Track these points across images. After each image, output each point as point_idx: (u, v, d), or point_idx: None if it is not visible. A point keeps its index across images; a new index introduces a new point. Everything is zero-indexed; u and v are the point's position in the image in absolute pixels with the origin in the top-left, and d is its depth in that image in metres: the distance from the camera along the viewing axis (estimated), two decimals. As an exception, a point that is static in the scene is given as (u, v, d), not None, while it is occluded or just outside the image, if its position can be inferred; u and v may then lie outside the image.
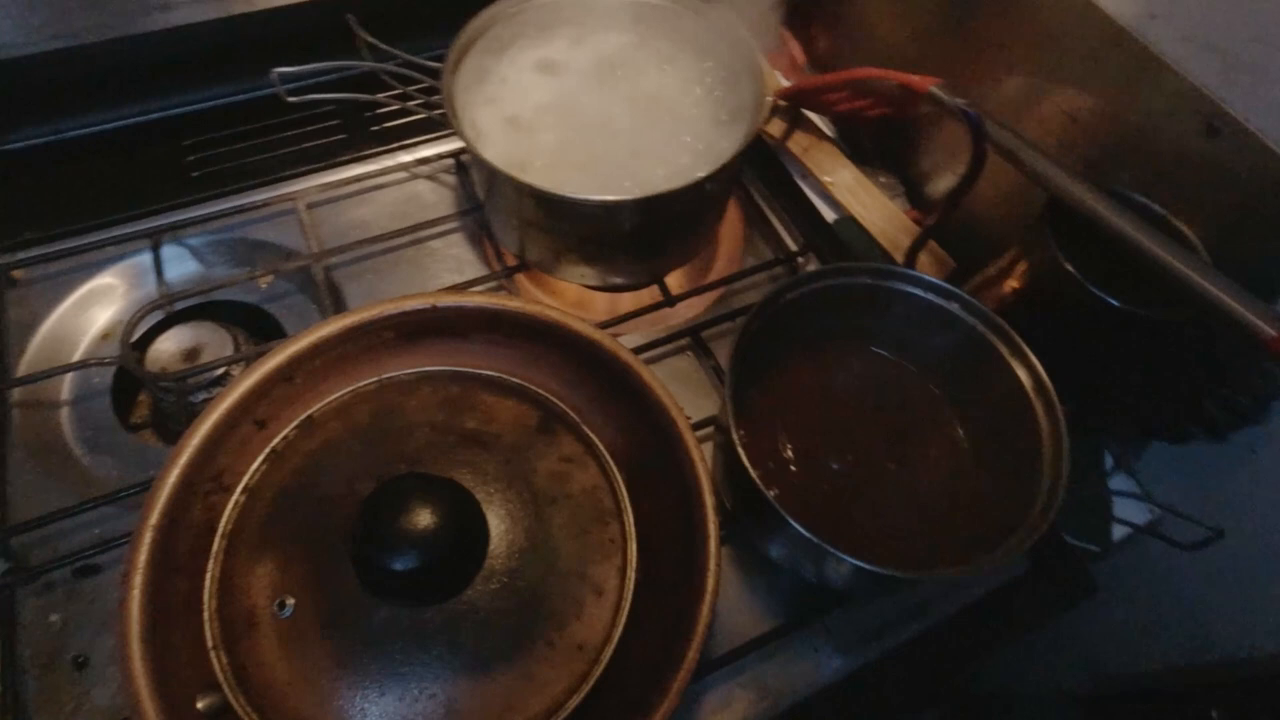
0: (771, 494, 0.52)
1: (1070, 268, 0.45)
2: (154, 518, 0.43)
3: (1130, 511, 0.57)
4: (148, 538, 0.42)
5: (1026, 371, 0.48)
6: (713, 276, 0.66)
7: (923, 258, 0.64)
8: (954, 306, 0.51)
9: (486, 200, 0.61)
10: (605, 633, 0.46)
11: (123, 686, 0.38)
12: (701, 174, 0.52)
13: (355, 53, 0.63)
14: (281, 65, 0.61)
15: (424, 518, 0.42)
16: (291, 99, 0.59)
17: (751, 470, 0.43)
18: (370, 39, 0.61)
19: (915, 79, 0.57)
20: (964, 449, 0.53)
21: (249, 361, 0.58)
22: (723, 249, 0.69)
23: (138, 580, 0.41)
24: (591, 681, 0.44)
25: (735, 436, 0.45)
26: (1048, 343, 0.49)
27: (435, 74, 0.63)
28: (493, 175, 0.53)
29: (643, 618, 0.46)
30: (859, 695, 0.52)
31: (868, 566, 0.41)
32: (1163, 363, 0.48)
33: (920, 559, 0.48)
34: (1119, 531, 0.57)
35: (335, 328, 0.50)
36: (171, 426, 0.60)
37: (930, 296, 0.51)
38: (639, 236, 0.56)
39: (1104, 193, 0.45)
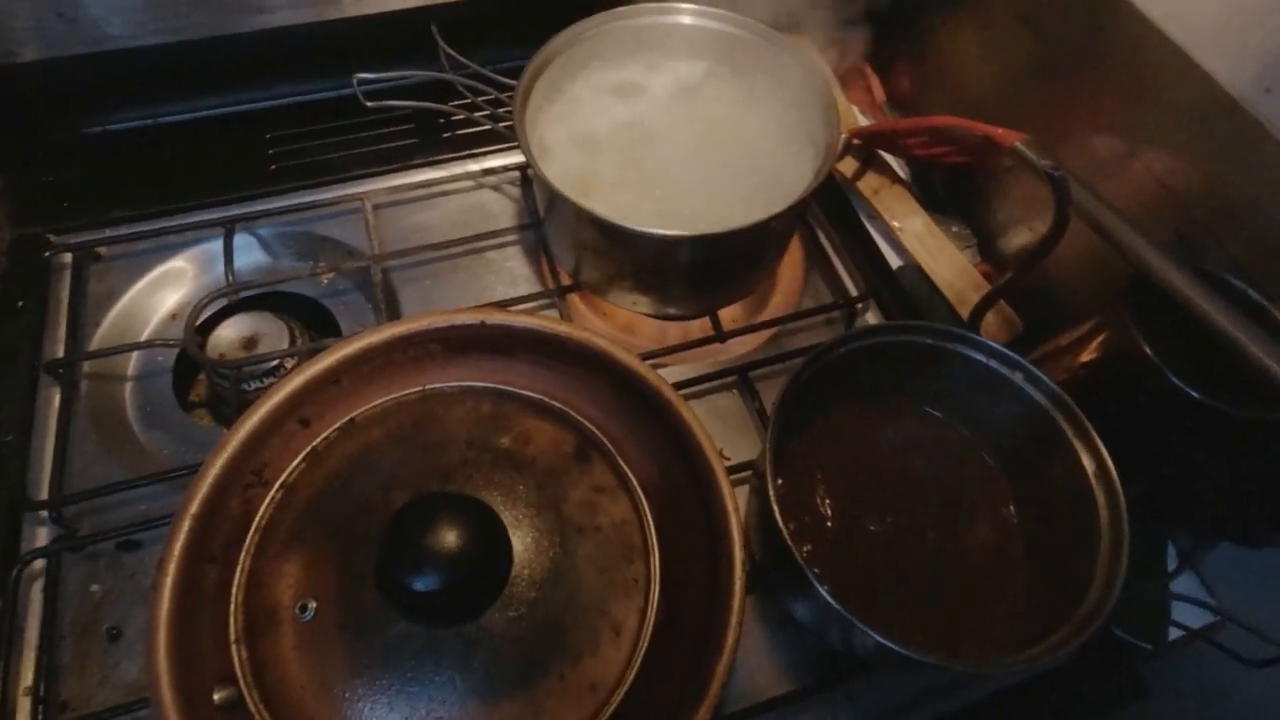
0: (804, 550, 0.51)
1: (1150, 352, 0.42)
2: (194, 507, 0.44)
3: (1190, 613, 0.53)
4: (186, 526, 0.43)
5: (1090, 456, 0.45)
6: (767, 314, 0.64)
7: (990, 316, 0.61)
8: (1017, 377, 0.48)
9: (546, 218, 0.61)
10: (619, 674, 0.45)
11: (145, 670, 0.38)
12: (766, 214, 0.51)
13: (435, 61, 0.64)
14: (364, 69, 0.62)
15: (449, 539, 0.42)
16: (370, 103, 0.61)
17: (785, 531, 0.42)
18: (449, 51, 0.62)
19: (1000, 132, 0.54)
20: (1014, 527, 0.50)
21: (301, 357, 0.60)
22: (781, 286, 0.67)
23: (172, 568, 0.42)
24: (600, 723, 0.43)
25: (771, 492, 0.43)
26: (1118, 423, 0.46)
27: (509, 88, 0.64)
28: (553, 196, 0.53)
29: (659, 663, 0.45)
30: None
31: (894, 647, 0.39)
32: (1246, 462, 0.44)
33: (953, 640, 0.46)
34: (1175, 630, 0.53)
35: (384, 335, 0.50)
36: (225, 410, 0.62)
37: (993, 364, 0.49)
38: (697, 270, 0.55)
39: (1196, 274, 0.42)
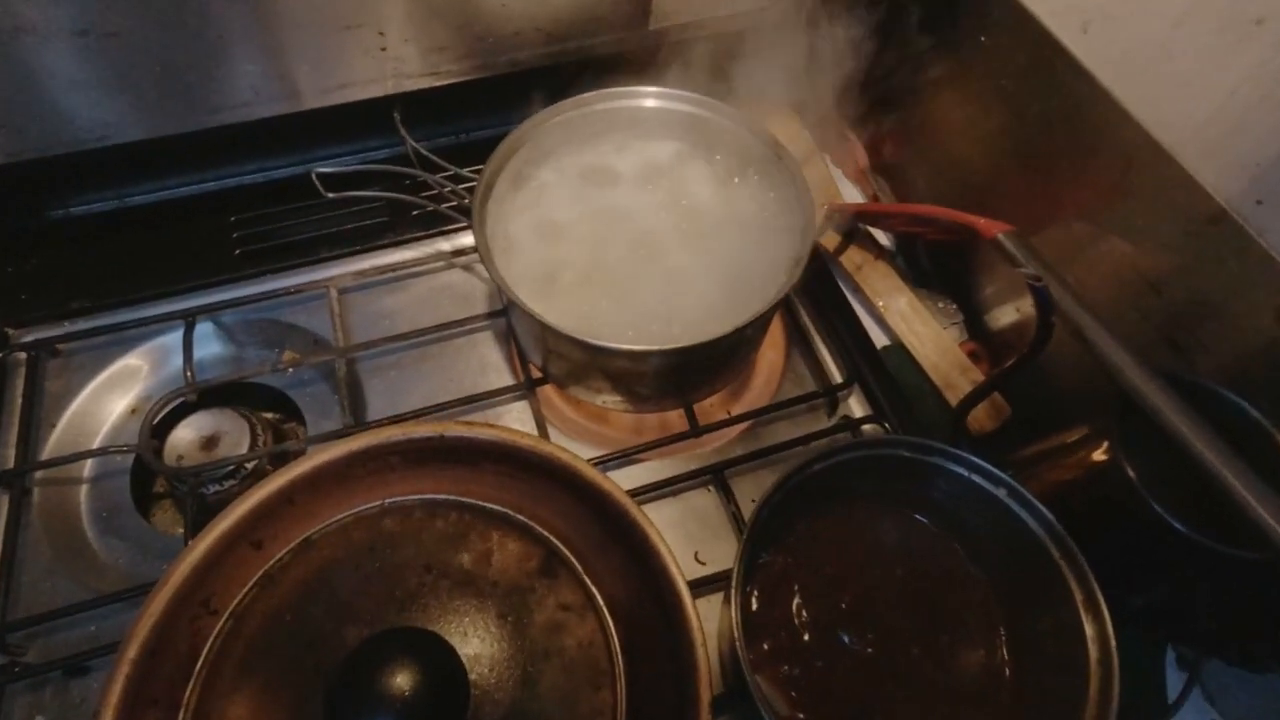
0: (781, 671, 0.48)
1: (1135, 479, 0.40)
2: (132, 652, 0.42)
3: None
4: (124, 673, 0.41)
5: (1079, 584, 0.43)
6: (746, 404, 0.62)
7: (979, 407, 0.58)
8: (1002, 493, 0.46)
9: (509, 312, 0.59)
10: (584, 817, 0.43)
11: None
12: (738, 317, 0.49)
13: (398, 139, 0.63)
14: (326, 148, 0.61)
15: (402, 681, 0.40)
16: (330, 194, 0.59)
17: (745, 664, 0.40)
18: (412, 143, 0.61)
19: (982, 223, 0.52)
20: (1000, 646, 0.48)
21: (262, 460, 0.58)
22: (760, 370, 0.65)
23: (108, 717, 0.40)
24: None
25: (735, 620, 0.41)
26: (1107, 540, 0.43)
27: (470, 180, 0.62)
28: (512, 303, 0.51)
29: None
30: None
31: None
32: (1237, 593, 0.42)
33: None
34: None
35: (340, 453, 0.48)
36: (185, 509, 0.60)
37: (976, 479, 0.46)
38: (668, 373, 0.53)
39: (1183, 388, 0.40)
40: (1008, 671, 0.47)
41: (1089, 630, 0.41)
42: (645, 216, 0.58)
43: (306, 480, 0.48)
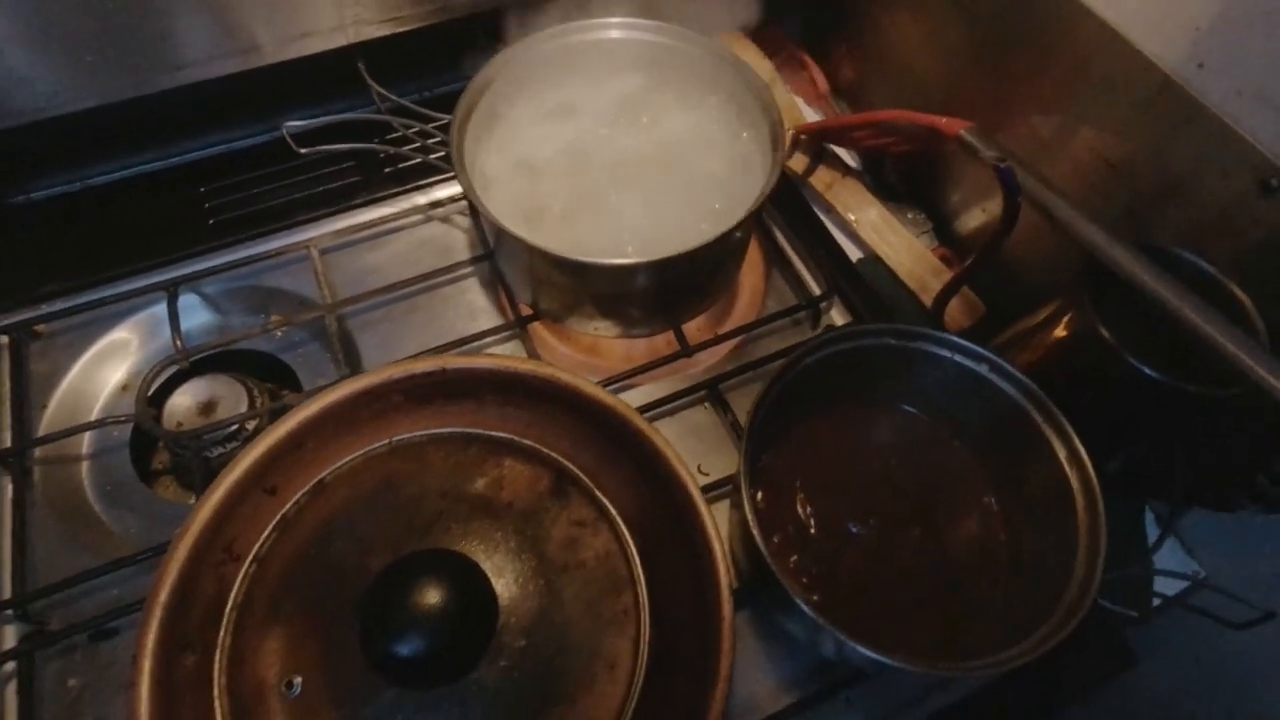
0: (790, 561, 0.51)
1: (1108, 334, 0.43)
2: (163, 595, 0.42)
3: (1174, 580, 0.54)
4: (157, 616, 0.42)
5: (1061, 442, 0.45)
6: (732, 323, 0.64)
7: (952, 302, 0.61)
8: (984, 369, 0.48)
9: (496, 251, 0.59)
10: (618, 709, 0.44)
11: (131, 773, 0.37)
12: (717, 230, 0.50)
13: (367, 97, 0.62)
14: (294, 111, 0.60)
15: (432, 599, 0.42)
16: (302, 150, 0.59)
17: (765, 551, 0.42)
18: (379, 89, 0.60)
19: (943, 122, 0.54)
20: (995, 517, 0.51)
21: (262, 418, 0.58)
22: (743, 292, 0.67)
23: (146, 663, 0.40)
24: (603, 765, 0.43)
25: (750, 514, 0.43)
26: (1086, 404, 0.46)
27: (444, 120, 0.62)
28: (500, 232, 0.51)
29: (657, 694, 0.45)
30: None
31: (882, 659, 0.39)
32: (1210, 436, 0.45)
33: (942, 640, 0.46)
34: (1159, 597, 0.54)
35: (344, 393, 0.49)
36: (190, 477, 0.61)
37: (959, 358, 0.49)
38: (655, 291, 0.55)
39: (1147, 254, 0.43)
40: (1003, 537, 0.50)
41: (1074, 483, 0.44)
42: (619, 146, 0.59)
43: (314, 423, 0.49)
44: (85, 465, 0.58)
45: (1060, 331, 0.48)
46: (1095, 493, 0.43)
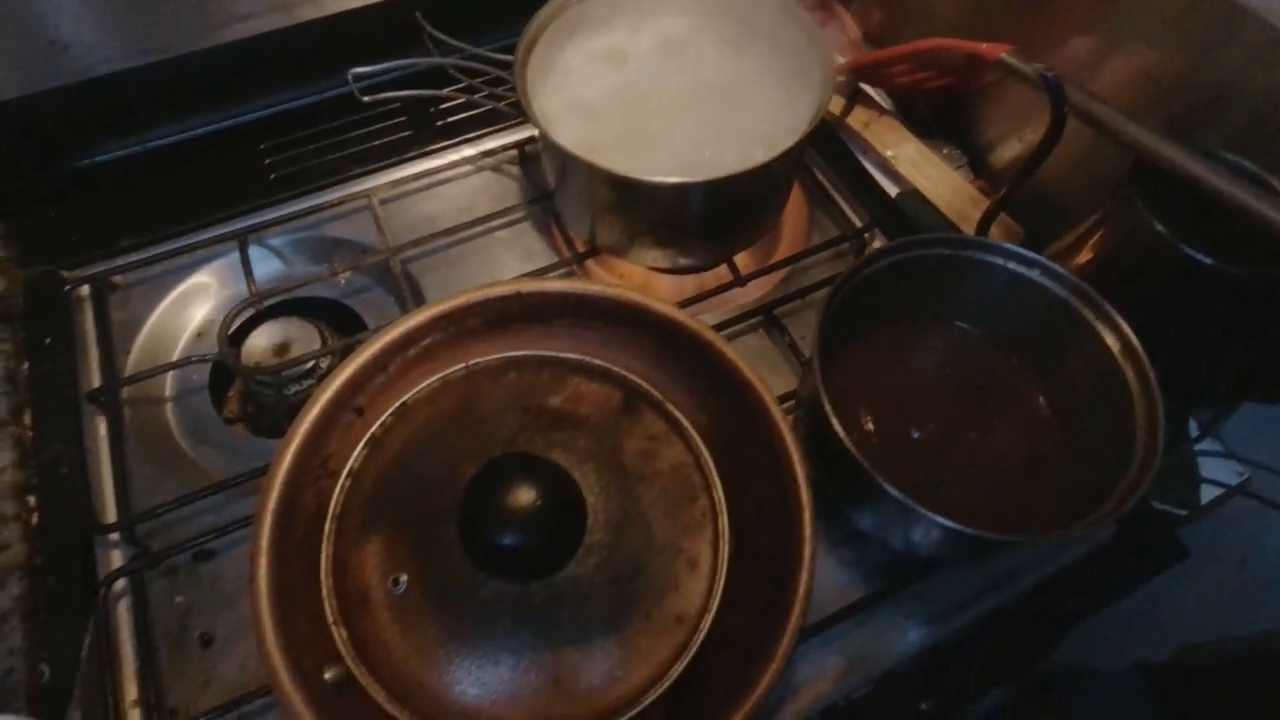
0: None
1: (1161, 228, 0.45)
2: (272, 502, 0.45)
3: (1218, 474, 0.56)
4: (268, 522, 0.45)
5: (1114, 335, 0.48)
6: (779, 256, 0.66)
7: (993, 229, 0.63)
8: (1035, 273, 0.50)
9: (557, 187, 0.62)
10: (702, 604, 0.47)
11: (259, 657, 0.40)
12: (771, 154, 0.52)
13: (423, 49, 0.65)
14: (353, 65, 0.62)
15: (528, 495, 0.44)
16: (366, 98, 0.61)
17: (845, 438, 0.44)
18: (438, 34, 0.63)
19: (984, 47, 0.57)
20: (1045, 417, 0.53)
21: (336, 356, 0.61)
22: (788, 229, 0.69)
23: (263, 561, 0.43)
24: (692, 651, 0.45)
25: (824, 402, 0.45)
26: (1134, 307, 0.48)
27: (502, 65, 0.65)
28: (565, 161, 0.54)
29: (739, 588, 0.47)
30: (944, 665, 0.52)
31: (961, 528, 0.41)
32: (1258, 322, 0.47)
33: (1008, 527, 0.49)
34: (1207, 495, 0.56)
35: (424, 317, 0.52)
36: (264, 420, 0.63)
37: (1010, 265, 0.51)
38: (710, 218, 0.57)
39: (1195, 151, 0.45)
40: (1058, 436, 0.52)
41: (1129, 373, 0.46)
42: (670, 85, 0.61)
43: (395, 347, 0.52)
44: (169, 407, 0.60)
45: (1104, 237, 0.51)
46: (1149, 373, 0.45)
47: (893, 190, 0.70)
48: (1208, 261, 0.43)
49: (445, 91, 0.66)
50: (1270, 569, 0.61)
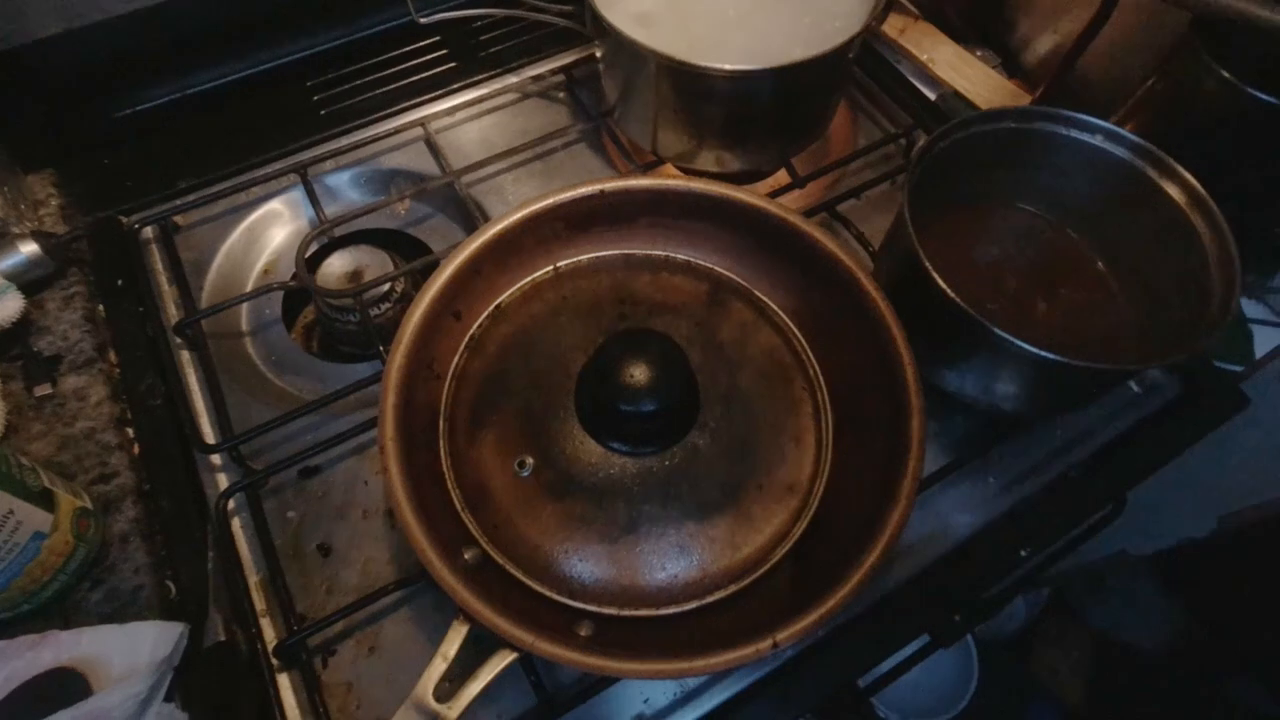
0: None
1: (1226, 74, 0.47)
2: (392, 397, 0.46)
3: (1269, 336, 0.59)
4: (391, 415, 0.45)
5: (1179, 188, 0.50)
6: (830, 160, 0.68)
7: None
8: (1098, 139, 0.53)
9: (620, 98, 0.63)
10: (812, 473, 0.49)
11: (406, 539, 0.41)
12: (838, 41, 0.54)
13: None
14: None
15: (647, 364, 0.45)
16: (423, 20, 0.61)
17: (942, 281, 0.46)
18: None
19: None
20: (1115, 285, 0.55)
21: (412, 275, 0.61)
22: (835, 136, 0.71)
23: (392, 449, 0.44)
24: (809, 515, 0.47)
25: (922, 257, 0.47)
26: (1194, 163, 0.50)
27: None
28: (634, 61, 0.55)
29: (848, 455, 0.49)
30: (1023, 526, 0.54)
31: (1062, 359, 0.43)
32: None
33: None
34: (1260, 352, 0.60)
35: (514, 219, 0.52)
36: (339, 348, 0.64)
37: (1074, 133, 0.53)
38: (775, 111, 0.58)
39: None
40: (1120, 297, 0.55)
41: (1197, 221, 0.49)
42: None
43: (488, 249, 0.52)
44: (247, 341, 0.61)
45: (1167, 92, 0.53)
46: (1218, 218, 0.47)
47: (931, 95, 0.72)
48: (1273, 100, 0.46)
49: (512, 12, 0.65)
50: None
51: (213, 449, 0.52)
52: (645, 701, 0.47)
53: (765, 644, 0.39)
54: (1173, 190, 0.50)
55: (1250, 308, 0.62)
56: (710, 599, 0.45)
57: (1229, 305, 0.45)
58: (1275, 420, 0.66)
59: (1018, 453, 0.56)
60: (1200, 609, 1.19)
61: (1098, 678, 1.32)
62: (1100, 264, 0.57)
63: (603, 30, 0.57)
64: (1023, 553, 0.51)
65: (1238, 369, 0.59)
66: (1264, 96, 0.46)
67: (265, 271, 0.64)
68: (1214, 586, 1.10)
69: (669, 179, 0.54)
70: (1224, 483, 0.75)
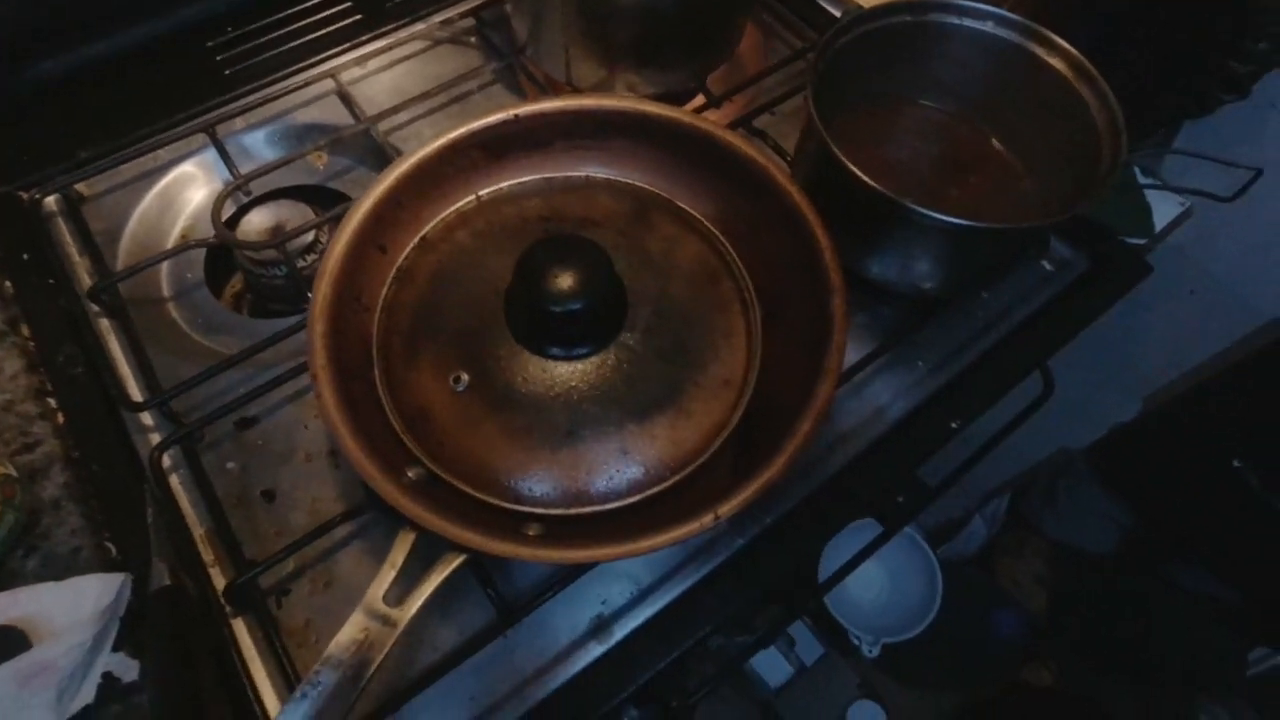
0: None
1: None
2: (320, 325, 0.45)
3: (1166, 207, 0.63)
4: (320, 344, 0.45)
5: (1063, 61, 0.53)
6: (743, 79, 0.69)
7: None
8: (989, 26, 0.55)
9: (530, 33, 0.63)
10: (744, 367, 0.50)
11: (347, 461, 0.41)
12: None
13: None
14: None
15: (573, 267, 0.46)
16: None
17: (855, 168, 0.47)
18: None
19: None
20: (1013, 166, 0.58)
21: (335, 223, 0.60)
22: (746, 58, 0.72)
23: (324, 376, 0.44)
24: (744, 404, 0.49)
25: (833, 149, 0.48)
26: (1075, 37, 0.53)
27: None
28: None
29: (777, 347, 0.50)
30: (952, 401, 0.56)
31: (977, 224, 0.45)
32: (1192, 25, 0.52)
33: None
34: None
35: (430, 149, 0.52)
36: (270, 306, 0.63)
37: (966, 22, 0.55)
38: (680, 28, 0.59)
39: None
40: (1024, 172, 0.57)
41: (1084, 90, 0.51)
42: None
43: (408, 180, 0.52)
44: (170, 306, 0.59)
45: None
46: (1104, 89, 0.50)
47: (837, 12, 0.74)
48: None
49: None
50: (1220, 286, 0.68)
51: (140, 406, 0.50)
52: (603, 603, 0.48)
53: (708, 517, 0.41)
54: (1059, 64, 0.53)
55: (1154, 190, 0.65)
56: (654, 490, 0.46)
57: (1115, 167, 0.48)
58: (1180, 289, 0.70)
59: (943, 336, 0.58)
60: (1140, 504, 1.25)
61: (1056, 584, 1.38)
62: (1003, 148, 0.59)
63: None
64: (953, 424, 0.53)
65: (1141, 242, 0.62)
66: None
67: (183, 235, 0.63)
68: (1150, 478, 1.16)
69: (580, 99, 0.54)
70: (1143, 364, 0.79)
